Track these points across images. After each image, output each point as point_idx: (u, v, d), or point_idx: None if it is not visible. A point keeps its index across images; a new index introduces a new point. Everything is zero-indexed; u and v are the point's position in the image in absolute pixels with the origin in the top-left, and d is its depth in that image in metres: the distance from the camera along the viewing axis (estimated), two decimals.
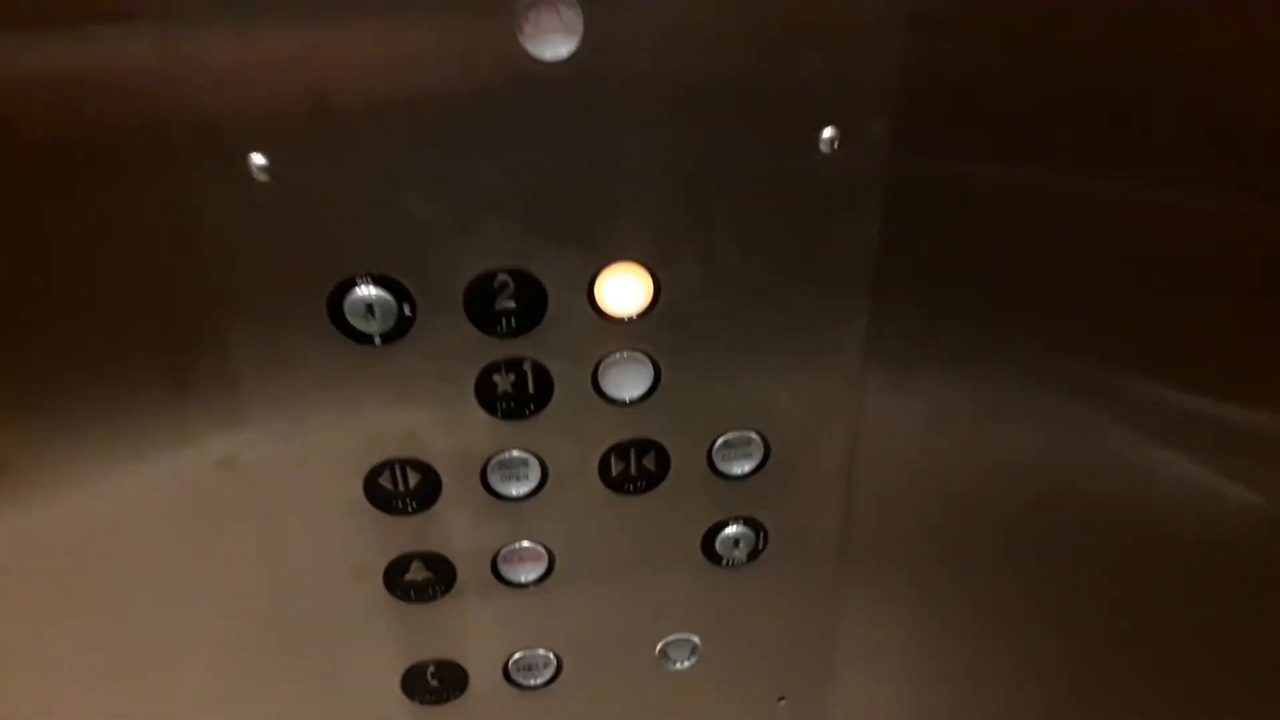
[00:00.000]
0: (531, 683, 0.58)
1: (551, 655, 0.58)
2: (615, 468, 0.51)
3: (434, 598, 0.54)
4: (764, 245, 0.46)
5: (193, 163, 0.40)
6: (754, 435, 0.52)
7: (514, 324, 0.45)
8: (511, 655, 0.57)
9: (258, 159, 0.39)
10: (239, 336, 0.44)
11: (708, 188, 0.44)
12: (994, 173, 0.45)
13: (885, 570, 0.59)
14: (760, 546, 0.56)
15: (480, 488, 0.50)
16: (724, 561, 0.56)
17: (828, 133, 0.43)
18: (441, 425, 0.48)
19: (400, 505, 0.50)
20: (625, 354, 0.48)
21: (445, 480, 0.50)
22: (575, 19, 0.38)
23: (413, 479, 0.49)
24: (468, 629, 0.55)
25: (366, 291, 0.43)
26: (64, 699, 0.52)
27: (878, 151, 0.44)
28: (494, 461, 0.50)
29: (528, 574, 0.54)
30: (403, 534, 0.51)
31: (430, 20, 0.38)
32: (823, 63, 0.41)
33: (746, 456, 0.52)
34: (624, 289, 0.46)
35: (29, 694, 0.52)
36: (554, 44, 0.38)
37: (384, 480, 0.49)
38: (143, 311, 0.43)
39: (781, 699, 0.63)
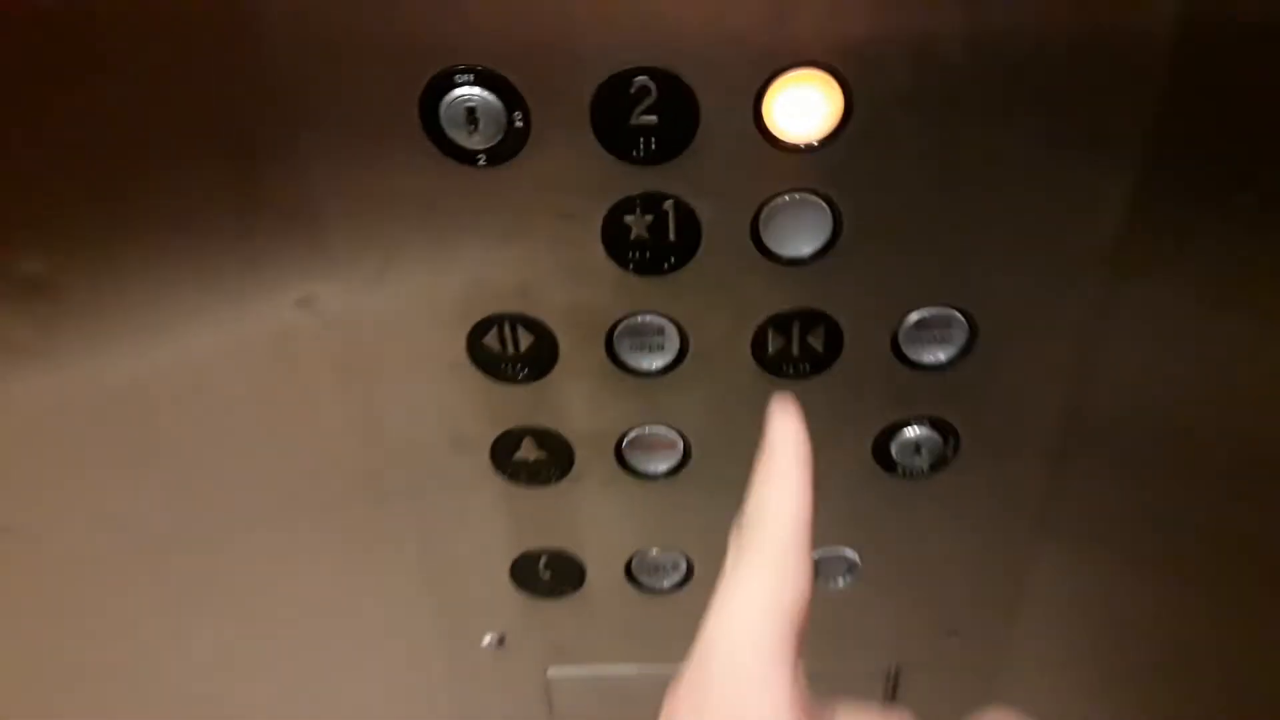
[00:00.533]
0: (658, 585, 0.50)
1: (682, 557, 0.49)
2: (773, 344, 0.41)
3: (549, 481, 0.46)
4: (1004, 53, 0.33)
5: None
6: (956, 314, 0.40)
7: (655, 147, 0.35)
8: (635, 553, 0.49)
9: None
10: (314, 149, 0.35)
11: None
12: None
13: (1098, 501, 0.47)
14: (948, 455, 0.44)
15: (605, 357, 0.41)
16: (900, 470, 0.45)
17: None
18: (560, 276, 0.39)
19: (510, 371, 0.42)
20: (798, 195, 0.36)
21: (563, 344, 0.41)
22: None
23: (524, 340, 0.41)
24: (586, 520, 0.47)
25: (468, 92, 0.34)
26: (133, 561, 0.48)
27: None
28: (622, 326, 0.40)
29: (658, 464, 0.45)
30: (513, 405, 0.43)
31: None
32: None
33: (944, 341, 0.41)
34: (803, 104, 0.34)
35: (93, 556, 0.48)
36: None
37: (490, 340, 0.41)
38: (202, 112, 0.35)
39: (953, 633, 0.53)
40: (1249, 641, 0.51)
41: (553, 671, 0.55)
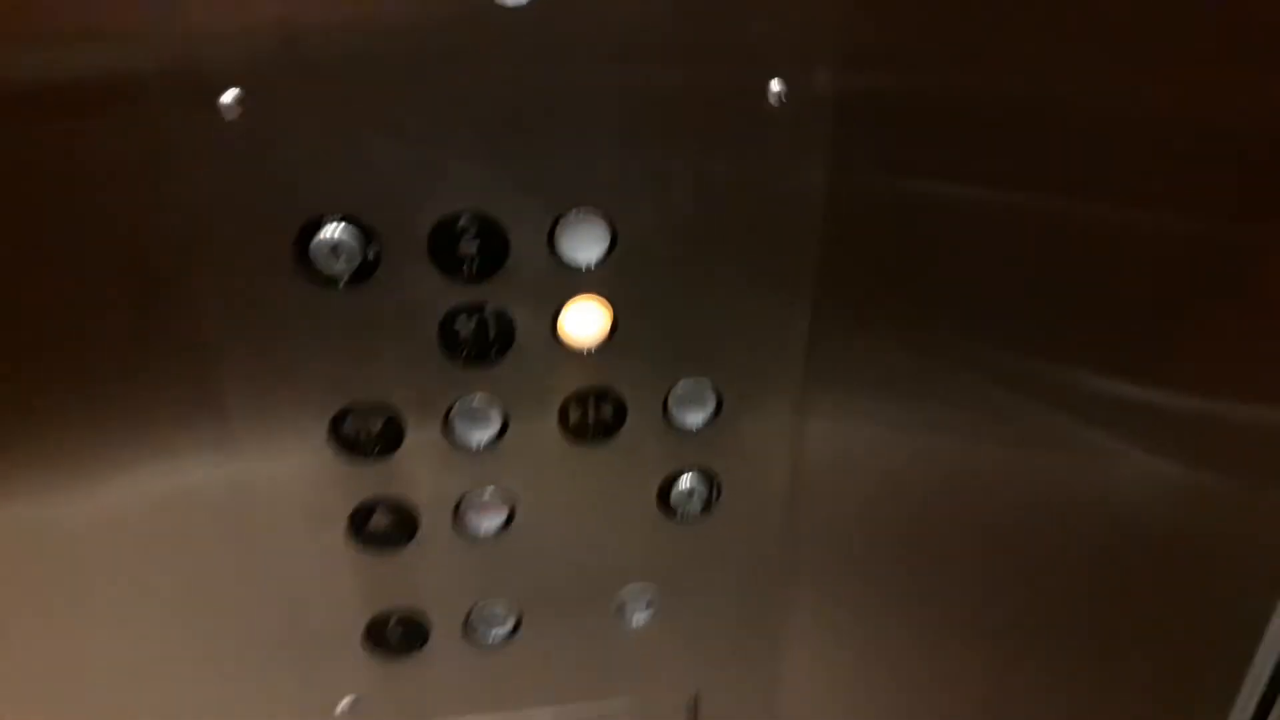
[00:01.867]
0: (491, 635, 0.60)
1: (510, 606, 0.59)
2: (574, 416, 0.53)
3: (397, 546, 0.55)
4: (716, 197, 0.48)
5: (162, 103, 0.41)
6: (708, 384, 0.54)
7: (477, 268, 0.47)
8: (473, 606, 0.58)
9: (227, 98, 0.41)
10: (207, 278, 0.45)
11: (662, 136, 0.46)
12: (934, 181, 0.48)
13: (832, 536, 0.62)
14: (713, 500, 0.58)
15: (441, 435, 0.52)
16: (678, 513, 0.58)
17: (775, 85, 0.45)
18: (405, 370, 0.50)
19: (364, 450, 0.51)
20: (584, 301, 0.50)
21: (409, 425, 0.51)
22: None
23: (376, 424, 0.51)
24: (429, 579, 0.56)
25: (332, 232, 0.45)
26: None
27: (824, 112, 0.47)
28: (456, 408, 0.51)
29: (489, 522, 0.55)
30: (366, 481, 0.53)
31: None
32: (770, 16, 0.44)
33: (700, 406, 0.54)
34: (583, 235, 0.48)
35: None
36: None
37: (348, 425, 0.50)
38: (110, 252, 0.44)
39: (739, 657, 0.65)
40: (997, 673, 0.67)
41: None
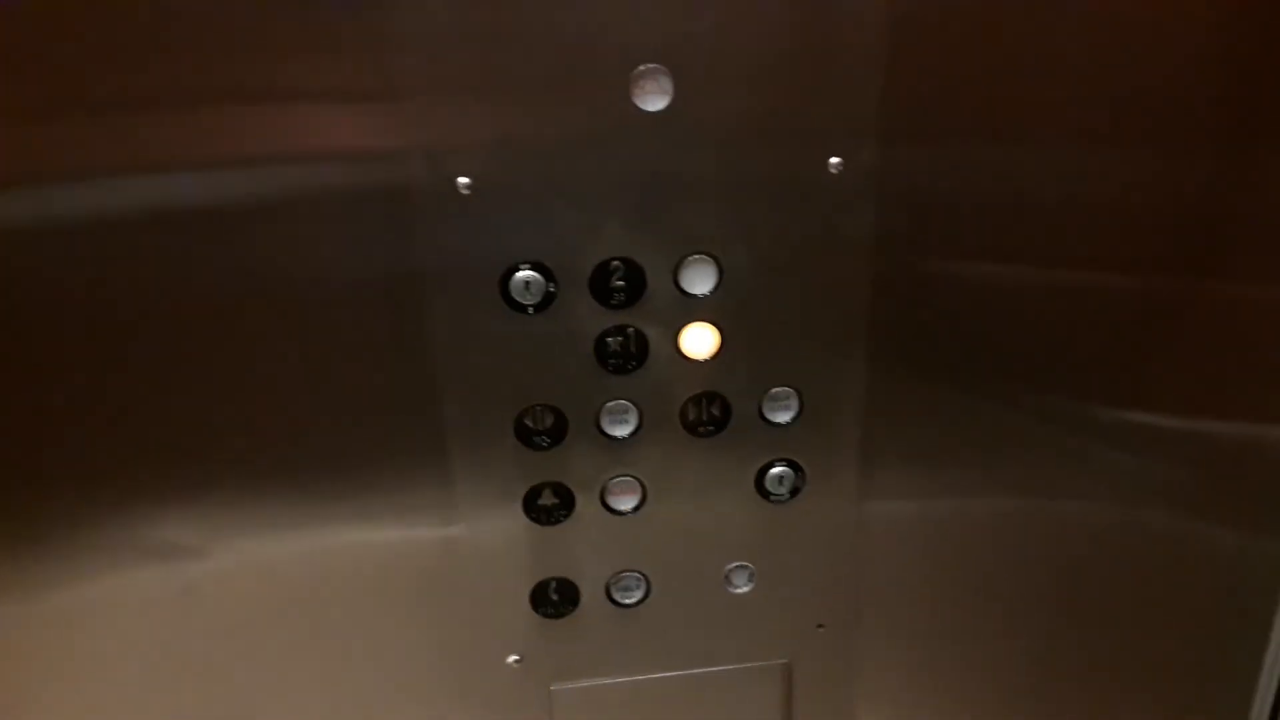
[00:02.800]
0: (627, 600, 0.75)
1: (642, 576, 0.74)
2: (691, 414, 0.70)
3: (558, 522, 0.71)
4: (793, 245, 0.66)
5: (421, 189, 0.61)
6: (793, 391, 0.70)
7: (623, 299, 0.65)
8: (614, 574, 0.74)
9: (463, 180, 0.61)
10: (435, 310, 0.64)
11: (755, 198, 0.64)
12: (965, 248, 0.66)
13: (896, 523, 0.77)
14: (800, 486, 0.73)
15: (595, 429, 0.69)
16: (771, 498, 0.73)
17: (834, 161, 0.64)
18: (571, 377, 0.67)
19: (538, 441, 0.69)
20: (700, 324, 0.67)
21: (571, 421, 0.68)
22: (668, 84, 0.60)
23: (547, 419, 0.68)
24: (582, 550, 0.73)
25: (526, 274, 0.64)
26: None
27: (869, 179, 0.65)
28: (605, 407, 0.69)
29: (627, 503, 0.72)
30: (538, 466, 0.70)
31: (572, 87, 0.60)
32: (830, 111, 0.63)
33: (787, 408, 0.71)
34: (698, 273, 0.66)
35: None
36: (654, 101, 0.60)
37: (527, 419, 0.68)
38: (357, 288, 0.63)
39: (820, 626, 0.79)
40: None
41: (555, 686, 0.76)
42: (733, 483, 0.73)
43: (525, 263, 0.64)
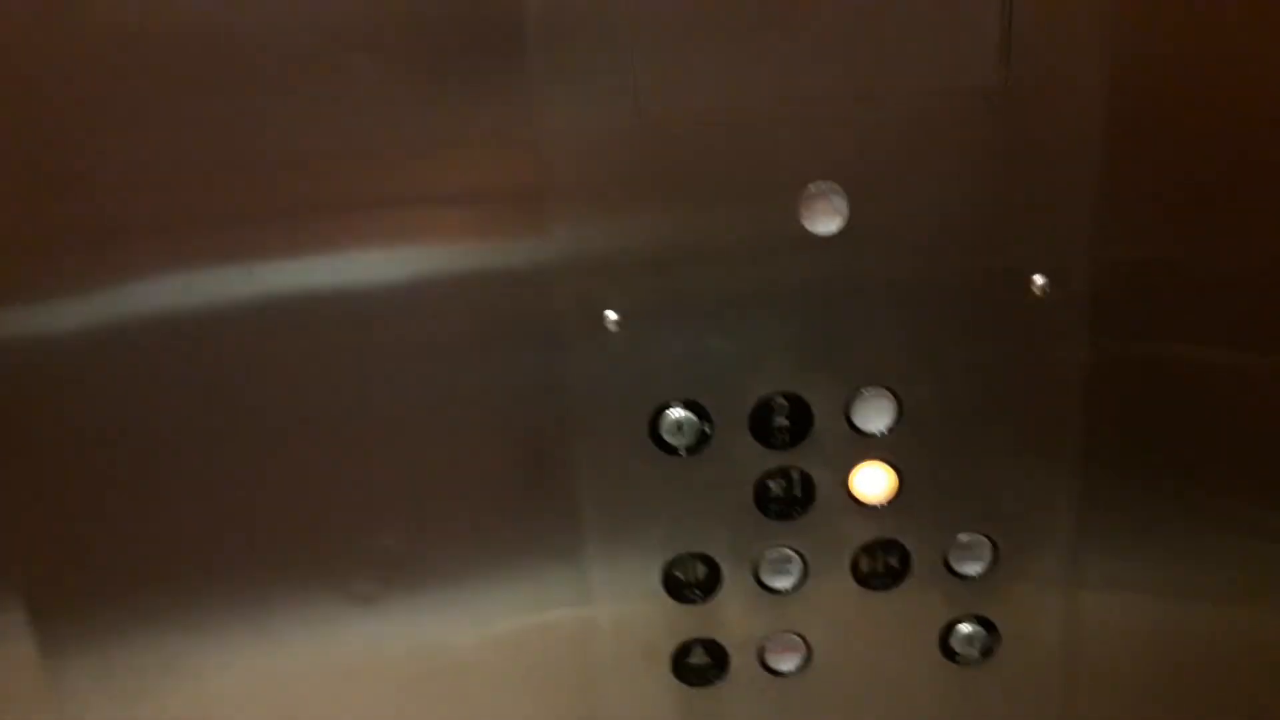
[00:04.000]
0: None
1: None
2: (864, 565, 0.61)
3: (709, 683, 0.63)
4: (987, 375, 0.57)
5: (566, 317, 0.55)
6: (984, 538, 0.61)
7: (787, 439, 0.58)
8: None
9: (611, 315, 0.55)
10: (581, 449, 0.58)
11: (939, 323, 0.56)
12: (1188, 349, 0.56)
13: (1110, 686, 0.65)
14: (993, 646, 0.63)
15: (752, 580, 0.61)
16: (959, 658, 0.63)
17: (1039, 280, 0.55)
18: (726, 524, 0.60)
19: (688, 594, 0.61)
20: (875, 464, 0.59)
21: (725, 572, 0.61)
22: (843, 205, 0.52)
23: (699, 571, 0.61)
24: (738, 713, 0.64)
25: (678, 413, 0.57)
26: None
27: (1081, 299, 0.55)
28: (765, 557, 0.61)
29: (789, 663, 0.63)
30: (689, 621, 0.62)
31: (736, 209, 0.53)
32: (1034, 223, 0.54)
33: (978, 558, 0.61)
34: (873, 408, 0.58)
35: None
36: (826, 223, 0.53)
37: (677, 570, 0.61)
38: (505, 429, 0.58)
39: None
40: None
41: None
42: (913, 642, 0.63)
43: (676, 401, 0.57)
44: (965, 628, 0.63)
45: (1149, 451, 0.59)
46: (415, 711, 0.63)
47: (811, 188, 0.52)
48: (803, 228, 0.53)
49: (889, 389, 0.57)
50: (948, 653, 0.63)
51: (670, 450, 0.58)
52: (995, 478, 0.59)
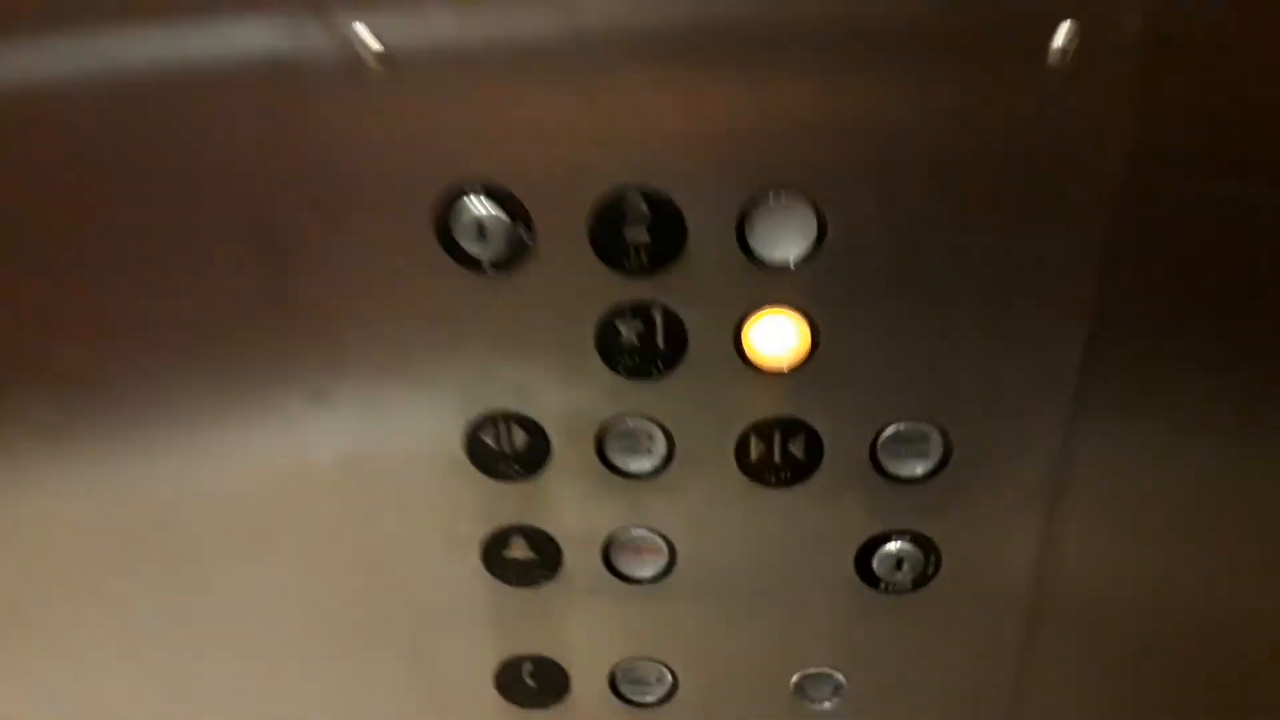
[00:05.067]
0: (640, 699, 0.50)
1: (665, 670, 0.49)
2: (755, 451, 0.43)
3: (536, 583, 0.47)
4: (967, 177, 0.36)
5: (300, 44, 0.35)
6: (932, 430, 0.42)
7: (646, 260, 0.38)
8: (619, 663, 0.49)
9: (370, 41, 0.34)
10: (340, 254, 0.39)
11: (899, 107, 0.35)
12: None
13: (1085, 631, 0.47)
14: (930, 572, 0.45)
15: (595, 457, 0.43)
16: (882, 585, 0.46)
17: (1061, 36, 0.33)
18: (555, 376, 0.41)
19: (504, 468, 0.44)
20: (779, 310, 0.39)
21: (555, 444, 0.43)
22: None
23: (519, 438, 0.43)
24: (571, 625, 0.48)
25: (479, 207, 0.37)
26: (131, 655, 0.49)
27: (1127, 59, 0.34)
28: (612, 428, 0.42)
29: (643, 568, 0.46)
30: (506, 503, 0.45)
31: None
32: None
33: (921, 455, 0.42)
34: (781, 226, 0.37)
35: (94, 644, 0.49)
36: None
37: (487, 436, 0.43)
38: (236, 211, 0.39)
39: None
40: None
41: None
42: (818, 559, 0.46)
43: (477, 189, 0.37)
44: (894, 546, 0.45)
45: (1179, 315, 0.39)
46: (135, 558, 0.48)
47: None
48: None
49: (806, 197, 0.37)
50: (867, 576, 0.46)
51: (470, 263, 0.38)
52: (962, 340, 0.40)
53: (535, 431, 0.43)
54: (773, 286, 0.39)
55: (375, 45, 0.34)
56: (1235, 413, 0.41)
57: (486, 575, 0.47)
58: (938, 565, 0.45)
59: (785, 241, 0.38)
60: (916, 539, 0.44)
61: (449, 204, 0.37)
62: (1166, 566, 0.45)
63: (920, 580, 0.46)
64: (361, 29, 0.34)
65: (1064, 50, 0.34)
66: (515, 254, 0.38)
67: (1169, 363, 0.40)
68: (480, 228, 0.38)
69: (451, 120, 0.36)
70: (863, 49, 0.34)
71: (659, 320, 0.39)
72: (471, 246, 0.38)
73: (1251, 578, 0.45)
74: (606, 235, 0.38)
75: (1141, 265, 0.37)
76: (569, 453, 0.43)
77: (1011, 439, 0.42)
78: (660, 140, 0.36)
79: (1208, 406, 0.41)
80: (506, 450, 0.43)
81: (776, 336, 0.40)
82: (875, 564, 0.45)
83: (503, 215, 0.37)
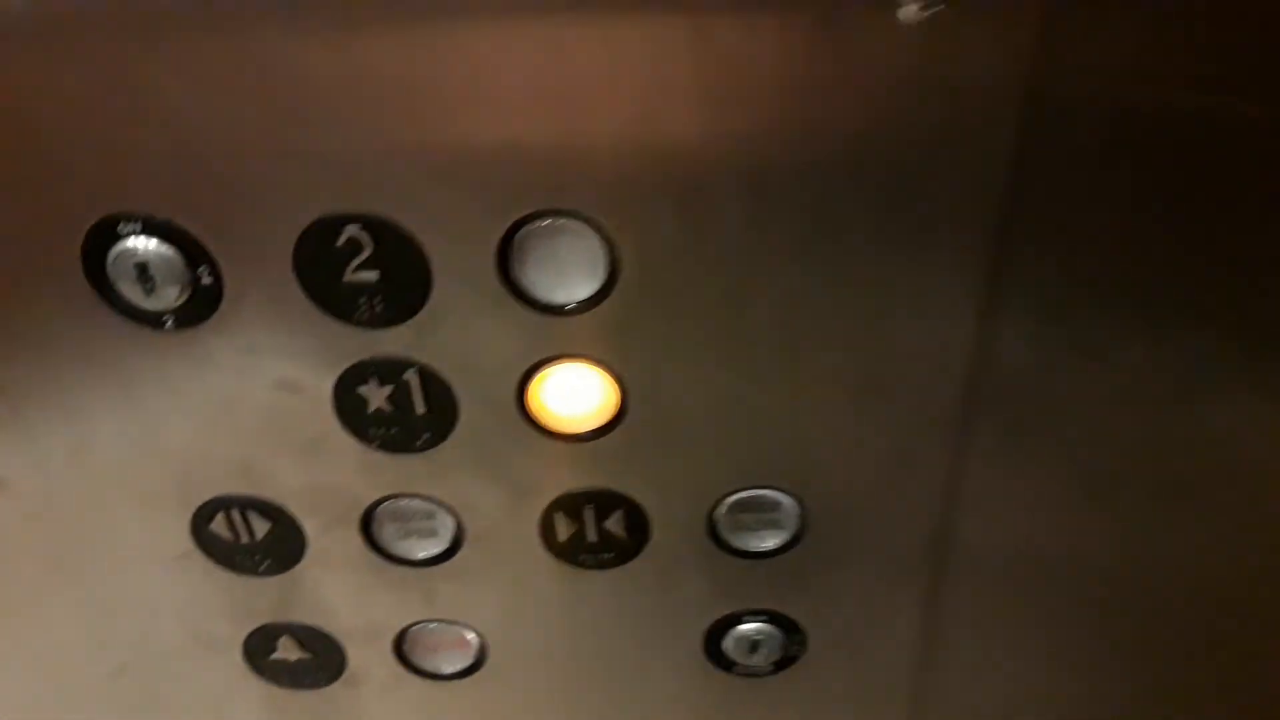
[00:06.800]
0: None
1: None
2: (564, 529, 0.34)
3: (319, 685, 0.38)
4: (803, 187, 0.27)
5: None
6: (781, 496, 0.33)
7: (381, 307, 0.28)
8: None
9: None
10: None
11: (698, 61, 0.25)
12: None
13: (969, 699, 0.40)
14: (794, 653, 0.37)
15: (364, 544, 0.34)
16: (737, 669, 0.37)
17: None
18: (290, 453, 0.32)
19: (248, 562, 0.34)
20: (570, 362, 0.30)
21: (310, 530, 0.34)
22: None
23: (259, 526, 0.33)
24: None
25: (137, 244, 0.27)
26: None
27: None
28: (381, 509, 0.33)
29: (447, 663, 0.38)
30: (262, 599, 0.36)
31: None
32: None
33: (773, 526, 0.34)
34: (559, 259, 0.28)
35: None
36: None
37: (218, 526, 0.33)
38: None
39: None
40: None
41: None
42: (662, 644, 0.37)
43: (132, 221, 0.27)
44: (747, 627, 0.36)
45: (1066, 354, 0.30)
46: None
47: None
48: None
49: (589, 222, 0.27)
50: (719, 660, 0.37)
51: (145, 316, 0.29)
52: (807, 382, 0.30)
53: (279, 517, 0.33)
54: (557, 335, 0.29)
55: None
56: (1119, 461, 0.33)
57: (258, 679, 0.38)
58: (803, 645, 0.37)
59: (566, 279, 0.28)
60: (775, 618, 0.36)
61: (101, 245, 0.27)
62: (1059, 631, 0.37)
63: (783, 663, 0.37)
64: None
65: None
66: (201, 303, 0.28)
67: (1057, 405, 0.31)
68: (143, 271, 0.27)
69: (87, 130, 0.26)
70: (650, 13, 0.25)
71: (414, 382, 0.30)
72: (137, 297, 0.28)
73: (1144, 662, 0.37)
74: (321, 277, 0.28)
75: (1030, 304, 0.28)
76: (328, 539, 0.34)
77: (879, 494, 0.33)
78: (383, 155, 0.26)
79: (1095, 454, 0.33)
80: (247, 541, 0.34)
81: (571, 394, 0.31)
82: (727, 647, 0.37)
83: (174, 255, 0.27)
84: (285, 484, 0.32)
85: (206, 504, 0.33)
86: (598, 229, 0.27)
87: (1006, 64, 0.25)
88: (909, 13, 0.25)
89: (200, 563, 0.34)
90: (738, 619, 0.36)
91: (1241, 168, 0.27)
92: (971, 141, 0.26)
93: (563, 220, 0.27)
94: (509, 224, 0.27)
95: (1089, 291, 0.29)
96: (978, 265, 0.27)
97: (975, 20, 0.24)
